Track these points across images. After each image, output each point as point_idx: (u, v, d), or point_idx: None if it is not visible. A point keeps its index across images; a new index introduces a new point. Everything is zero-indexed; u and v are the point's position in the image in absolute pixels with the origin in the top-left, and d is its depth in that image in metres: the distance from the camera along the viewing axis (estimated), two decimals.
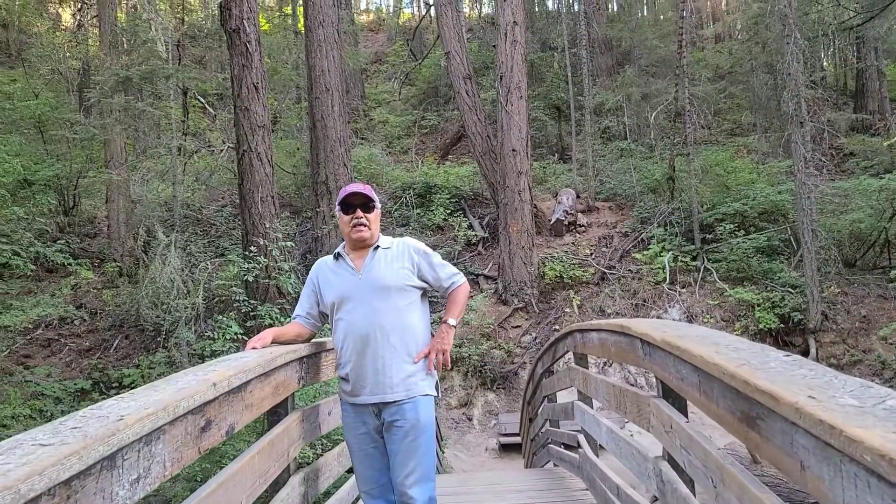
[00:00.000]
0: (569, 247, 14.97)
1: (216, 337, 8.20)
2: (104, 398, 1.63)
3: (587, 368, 4.48)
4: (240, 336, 8.12)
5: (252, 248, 8.92)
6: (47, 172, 12.40)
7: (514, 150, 13.70)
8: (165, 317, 9.64)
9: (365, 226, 2.87)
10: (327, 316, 2.98)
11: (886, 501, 0.95)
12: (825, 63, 23.11)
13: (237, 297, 8.88)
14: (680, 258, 13.65)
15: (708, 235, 13.95)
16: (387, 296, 2.80)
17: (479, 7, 31.96)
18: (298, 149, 17.58)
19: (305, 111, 16.22)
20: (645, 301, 13.14)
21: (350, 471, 3.12)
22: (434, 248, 3.49)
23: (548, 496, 4.66)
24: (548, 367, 5.90)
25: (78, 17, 18.77)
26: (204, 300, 9.88)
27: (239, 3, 9.36)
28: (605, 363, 11.67)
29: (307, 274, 3.11)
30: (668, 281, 13.28)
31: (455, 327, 2.93)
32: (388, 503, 2.84)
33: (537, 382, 6.56)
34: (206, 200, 16.35)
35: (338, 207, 2.93)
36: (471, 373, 11.94)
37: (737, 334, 9.13)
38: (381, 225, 3.07)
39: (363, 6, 39.52)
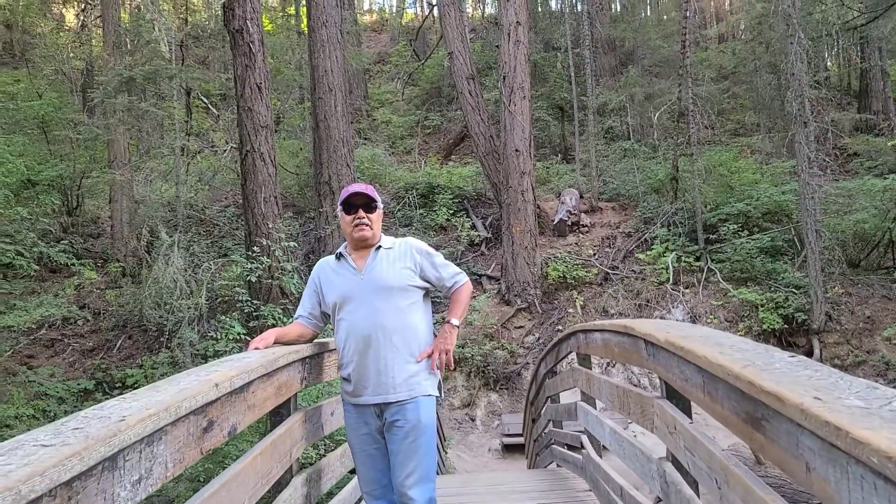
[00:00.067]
0: (572, 247, 14.95)
1: (219, 337, 8.21)
2: (107, 398, 1.63)
3: (590, 369, 4.47)
4: (243, 336, 8.13)
5: (255, 248, 8.93)
6: (51, 173, 12.43)
7: (517, 151, 13.69)
8: (168, 317, 9.66)
9: (367, 226, 2.86)
10: (329, 316, 2.97)
11: None
12: (829, 63, 23.07)
13: (240, 298, 8.90)
14: (683, 258, 13.63)
15: (711, 236, 13.93)
16: (389, 296, 2.79)
17: (482, 7, 31.97)
18: (301, 149, 17.61)
19: (308, 111, 16.24)
20: (648, 301, 13.12)
21: (353, 471, 3.11)
22: (437, 248, 3.48)
23: (551, 497, 4.65)
24: (551, 367, 5.89)
25: (81, 18, 18.84)
26: (207, 300, 9.89)
27: (242, 3, 9.38)
28: (608, 364, 11.65)
29: (310, 274, 3.10)
30: (671, 281, 13.26)
31: (458, 327, 2.92)
32: None
33: (540, 383, 6.55)
34: (210, 201, 16.38)
35: (340, 207, 2.92)
36: (474, 373, 11.93)
37: (740, 335, 9.11)
38: (383, 225, 3.06)
39: (366, 6, 39.58)
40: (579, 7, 22.62)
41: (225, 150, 15.06)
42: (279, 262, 9.01)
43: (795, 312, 11.79)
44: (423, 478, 2.70)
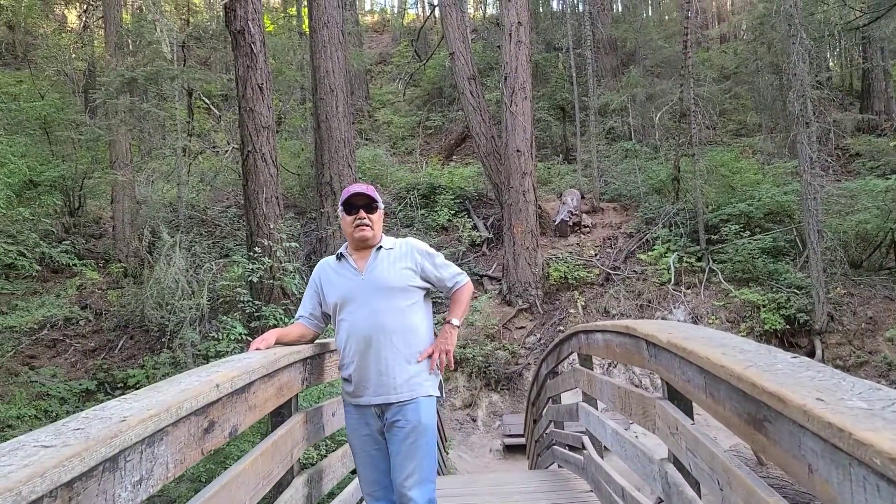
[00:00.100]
0: (573, 247, 14.94)
1: (220, 338, 8.21)
2: (109, 399, 1.63)
3: (592, 370, 4.46)
4: (244, 337, 8.12)
5: (256, 248, 8.94)
6: (53, 173, 12.46)
7: (518, 151, 13.69)
8: (170, 317, 9.67)
9: (367, 226, 2.85)
10: (330, 317, 2.97)
11: None
12: (831, 63, 23.04)
13: (241, 298, 8.90)
14: (685, 259, 13.62)
15: (713, 236, 13.91)
16: (389, 296, 2.78)
17: (483, 8, 31.99)
18: (303, 149, 17.62)
19: (310, 112, 16.24)
20: (650, 302, 13.11)
21: (354, 472, 3.11)
22: (438, 248, 3.47)
23: (552, 498, 4.64)
24: (552, 368, 5.88)
25: (83, 19, 18.87)
26: (208, 301, 9.90)
27: (244, 4, 9.39)
28: (609, 364, 11.64)
29: (311, 274, 3.10)
30: (673, 282, 13.25)
31: (459, 327, 2.91)
32: None
33: (542, 383, 6.55)
34: (211, 201, 16.40)
35: (340, 208, 2.92)
36: (475, 374, 11.93)
37: (742, 335, 9.11)
38: (385, 226, 3.06)
39: (368, 7, 39.61)
40: (581, 7, 22.62)
41: (226, 151, 15.08)
42: (280, 263, 9.01)
43: (797, 313, 11.77)
44: (423, 478, 2.69)
